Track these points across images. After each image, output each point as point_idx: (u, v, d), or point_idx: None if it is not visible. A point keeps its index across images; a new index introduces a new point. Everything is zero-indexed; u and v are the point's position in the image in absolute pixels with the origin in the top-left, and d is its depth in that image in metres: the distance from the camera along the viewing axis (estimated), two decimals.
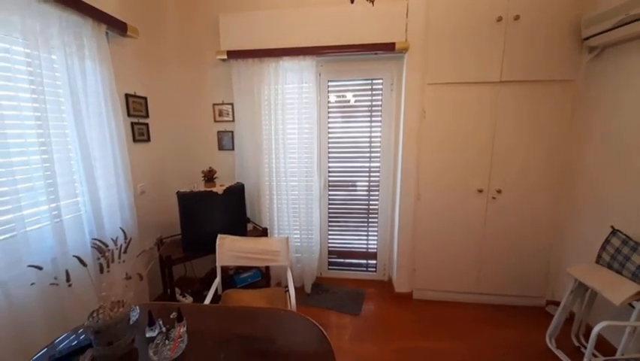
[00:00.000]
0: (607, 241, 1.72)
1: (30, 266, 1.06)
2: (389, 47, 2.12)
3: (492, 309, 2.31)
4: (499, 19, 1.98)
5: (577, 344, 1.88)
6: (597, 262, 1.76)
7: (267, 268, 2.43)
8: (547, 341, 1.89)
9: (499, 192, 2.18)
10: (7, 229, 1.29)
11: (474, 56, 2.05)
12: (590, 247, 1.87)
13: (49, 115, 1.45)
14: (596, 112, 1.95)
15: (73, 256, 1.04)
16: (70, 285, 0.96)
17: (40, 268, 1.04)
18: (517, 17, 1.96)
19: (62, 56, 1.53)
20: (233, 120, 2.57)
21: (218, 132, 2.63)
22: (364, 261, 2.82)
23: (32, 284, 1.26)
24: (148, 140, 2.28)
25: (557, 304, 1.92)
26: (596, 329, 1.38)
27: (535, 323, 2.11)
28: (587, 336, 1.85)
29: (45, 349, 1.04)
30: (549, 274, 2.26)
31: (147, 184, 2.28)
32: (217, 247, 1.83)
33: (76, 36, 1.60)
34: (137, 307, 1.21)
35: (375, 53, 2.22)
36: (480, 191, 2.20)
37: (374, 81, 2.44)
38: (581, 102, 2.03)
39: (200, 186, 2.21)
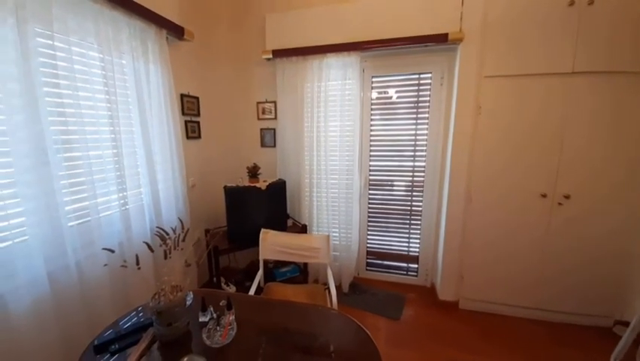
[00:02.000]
0: None
1: (104, 249, 1.18)
2: (441, 39, 1.99)
3: (551, 327, 2.07)
4: (571, 3, 1.75)
5: None
6: None
7: (306, 264, 2.45)
8: None
9: (566, 197, 1.93)
10: (84, 214, 1.46)
11: (541, 44, 1.83)
12: None
13: (119, 114, 1.61)
14: None
15: (144, 242, 1.14)
16: (139, 268, 1.05)
17: (112, 251, 1.15)
18: (591, 2, 1.71)
19: (130, 60, 1.69)
20: (275, 118, 2.62)
21: (261, 130, 2.71)
22: (405, 264, 2.70)
23: (105, 265, 1.40)
24: (199, 137, 2.44)
25: (627, 324, 1.67)
26: None
27: (600, 344, 1.86)
28: None
29: (109, 326, 1.15)
30: (621, 291, 1.97)
31: (197, 178, 2.43)
32: (260, 240, 1.88)
33: (142, 41, 1.75)
34: (191, 293, 1.29)
35: (426, 46, 2.09)
36: (544, 196, 1.97)
37: (422, 75, 2.31)
38: None
39: (245, 182, 2.30)
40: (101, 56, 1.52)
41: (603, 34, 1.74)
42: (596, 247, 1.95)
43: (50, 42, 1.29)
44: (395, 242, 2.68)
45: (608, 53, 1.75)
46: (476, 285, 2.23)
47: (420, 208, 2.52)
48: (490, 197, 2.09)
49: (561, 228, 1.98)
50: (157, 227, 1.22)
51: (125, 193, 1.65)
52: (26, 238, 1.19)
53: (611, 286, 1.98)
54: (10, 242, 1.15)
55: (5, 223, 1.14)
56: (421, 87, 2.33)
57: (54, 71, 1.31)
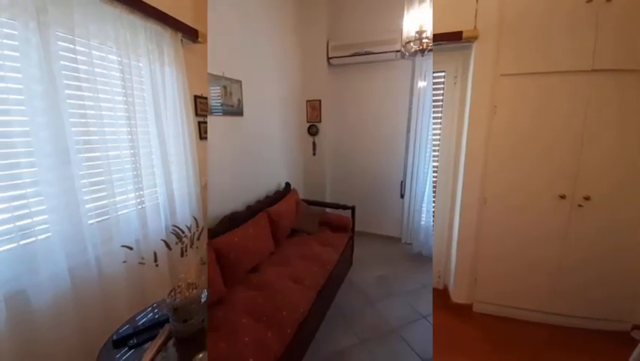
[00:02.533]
0: None
1: (123, 246, 1.21)
2: (455, 37, 1.95)
3: (568, 331, 2.00)
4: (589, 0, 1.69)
5: None
6: None
7: None
8: None
9: (586, 199, 1.86)
10: (103, 212, 1.50)
11: (560, 42, 1.77)
12: None
13: (136, 115, 1.65)
14: None
15: (162, 240, 1.16)
16: (157, 265, 1.07)
17: (130, 249, 1.18)
18: None
19: (147, 63, 1.73)
20: None
21: None
22: None
23: (124, 262, 1.43)
24: None
25: None
26: None
27: (617, 350, 1.79)
28: None
29: (127, 322, 1.18)
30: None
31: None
32: None
33: (158, 44, 1.79)
34: (206, 290, 1.31)
35: (439, 44, 2.06)
36: (562, 197, 1.90)
37: (434, 74, 2.28)
38: None
39: None
40: (119, 59, 1.56)
41: (622, 32, 1.68)
42: (617, 251, 1.88)
43: (72, 46, 1.33)
44: None
45: (628, 50, 1.69)
46: (491, 288, 2.17)
47: (432, 209, 2.48)
48: (504, 198, 2.03)
49: (580, 230, 1.91)
50: (173, 225, 1.24)
51: (141, 192, 1.69)
52: (49, 234, 1.23)
53: (631, 290, 1.90)
54: (33, 238, 1.19)
55: (29, 221, 1.18)
56: (434, 86, 2.30)
57: (75, 74, 1.35)
